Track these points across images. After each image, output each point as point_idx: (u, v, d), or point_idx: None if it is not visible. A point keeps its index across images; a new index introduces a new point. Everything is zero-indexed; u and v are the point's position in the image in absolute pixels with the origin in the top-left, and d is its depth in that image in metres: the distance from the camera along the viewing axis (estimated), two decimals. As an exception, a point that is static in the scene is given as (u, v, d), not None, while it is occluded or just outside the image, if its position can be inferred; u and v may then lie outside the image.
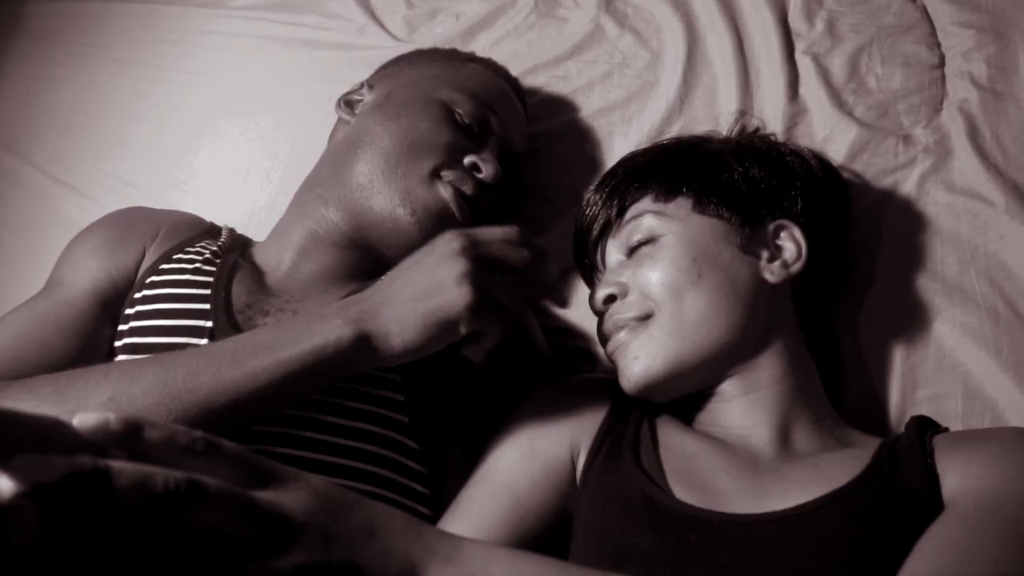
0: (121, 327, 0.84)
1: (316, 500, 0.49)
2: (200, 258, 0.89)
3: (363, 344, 0.69)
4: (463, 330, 0.70)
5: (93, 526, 0.39)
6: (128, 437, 0.43)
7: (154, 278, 0.86)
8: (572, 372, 0.91)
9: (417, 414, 0.81)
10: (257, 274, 0.90)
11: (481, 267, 0.71)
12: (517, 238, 0.74)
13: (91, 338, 0.83)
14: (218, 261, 0.89)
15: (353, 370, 0.72)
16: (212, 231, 0.98)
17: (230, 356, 0.68)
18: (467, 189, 0.90)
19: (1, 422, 0.40)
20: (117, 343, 0.83)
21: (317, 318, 0.71)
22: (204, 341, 0.80)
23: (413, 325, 0.69)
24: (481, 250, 0.72)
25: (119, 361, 0.80)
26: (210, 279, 0.86)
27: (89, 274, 0.87)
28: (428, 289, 0.70)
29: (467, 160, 0.91)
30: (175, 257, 0.89)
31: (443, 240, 0.73)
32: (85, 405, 0.64)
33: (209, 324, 0.81)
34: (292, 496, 0.48)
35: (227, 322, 0.82)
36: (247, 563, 0.43)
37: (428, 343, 0.70)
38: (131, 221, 0.94)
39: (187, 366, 0.68)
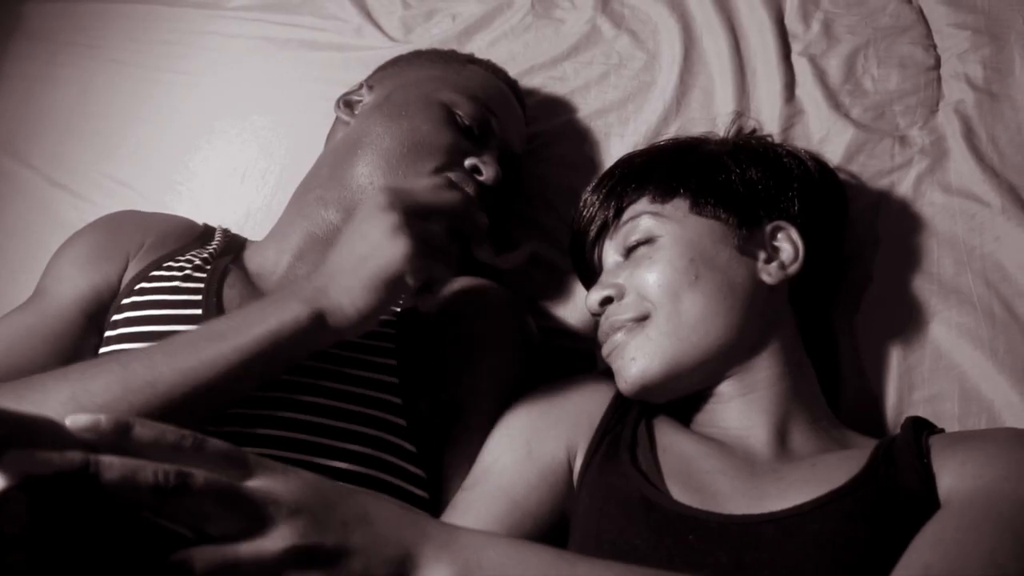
0: (108, 333, 0.84)
1: (307, 488, 0.49)
2: (190, 265, 0.88)
3: (319, 322, 0.70)
4: (411, 281, 0.70)
5: (81, 518, 0.39)
6: (118, 435, 0.44)
7: (144, 284, 0.86)
8: (570, 372, 0.91)
9: (414, 417, 0.81)
10: (249, 278, 0.90)
11: (412, 218, 0.71)
12: (445, 182, 0.74)
13: (76, 348, 0.83)
14: (208, 267, 0.89)
15: (313, 348, 0.73)
16: (205, 235, 0.97)
17: (187, 346, 0.69)
18: (467, 191, 0.89)
19: None
20: (104, 349, 0.83)
21: (272, 301, 0.72)
22: None
23: (361, 292, 0.70)
24: (408, 200, 0.72)
25: (79, 363, 0.80)
26: (201, 285, 0.86)
27: (73, 284, 0.87)
28: (366, 253, 0.70)
29: (467, 162, 0.91)
30: (165, 265, 0.89)
31: (371, 201, 0.73)
32: (45, 406, 0.62)
33: None
34: (282, 485, 0.48)
35: None
36: (236, 546, 0.43)
37: (380, 304, 0.70)
38: (117, 229, 0.94)
39: (144, 360, 0.68)
